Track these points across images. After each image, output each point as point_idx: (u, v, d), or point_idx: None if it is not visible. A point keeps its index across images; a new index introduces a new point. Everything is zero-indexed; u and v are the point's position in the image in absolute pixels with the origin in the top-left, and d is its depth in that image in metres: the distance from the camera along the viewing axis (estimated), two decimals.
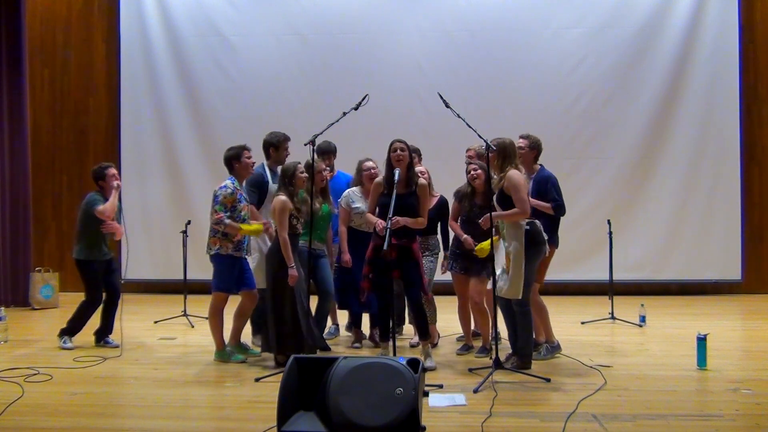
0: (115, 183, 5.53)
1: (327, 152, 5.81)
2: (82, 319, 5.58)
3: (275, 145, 5.42)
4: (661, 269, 8.43)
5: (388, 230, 4.43)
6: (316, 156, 5.02)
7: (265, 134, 5.55)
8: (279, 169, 5.21)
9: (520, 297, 4.61)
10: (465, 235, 5.14)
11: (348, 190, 5.57)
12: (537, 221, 4.74)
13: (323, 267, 5.38)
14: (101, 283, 5.58)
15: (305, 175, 4.91)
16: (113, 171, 5.61)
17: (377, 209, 4.87)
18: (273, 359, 4.91)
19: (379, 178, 4.95)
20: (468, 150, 5.57)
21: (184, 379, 4.62)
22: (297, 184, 4.89)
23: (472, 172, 5.15)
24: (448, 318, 5.75)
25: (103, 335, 5.62)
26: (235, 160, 5.04)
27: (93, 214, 5.44)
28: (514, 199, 4.57)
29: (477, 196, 5.17)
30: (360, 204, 5.44)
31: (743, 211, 8.37)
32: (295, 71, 8.63)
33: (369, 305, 5.34)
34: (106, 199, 5.50)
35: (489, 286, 5.09)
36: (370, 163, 5.51)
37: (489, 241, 4.75)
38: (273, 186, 5.29)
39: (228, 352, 5.10)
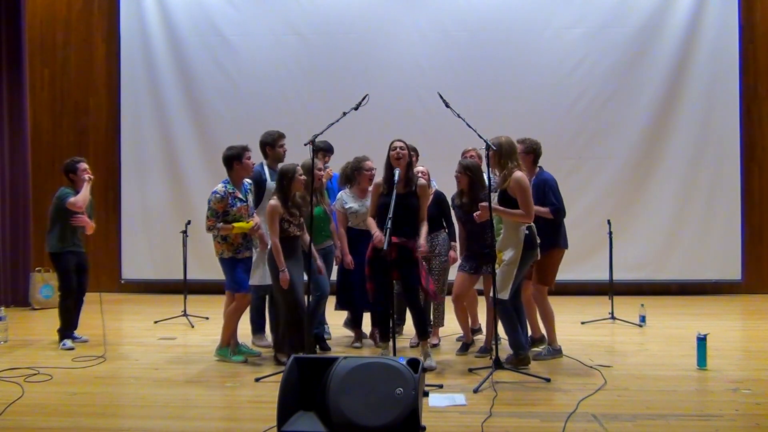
0: (86, 176, 5.62)
1: (325, 150, 5.81)
2: (68, 315, 5.64)
3: (271, 144, 5.44)
4: (661, 269, 8.43)
5: (388, 230, 4.41)
6: (316, 154, 5.09)
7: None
8: (279, 166, 5.22)
9: (507, 297, 4.60)
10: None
11: (340, 192, 5.57)
12: (533, 225, 4.73)
13: (327, 266, 5.37)
14: (73, 274, 5.66)
15: (304, 177, 4.90)
16: (85, 165, 5.70)
17: (378, 210, 4.85)
18: (273, 359, 4.91)
19: (379, 179, 4.95)
20: (466, 151, 5.54)
21: (184, 379, 4.62)
22: (295, 186, 4.88)
23: (456, 175, 5.19)
24: (447, 318, 5.74)
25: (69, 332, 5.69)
26: (235, 159, 5.03)
27: (64, 208, 5.53)
28: (520, 202, 4.56)
29: (464, 195, 5.17)
30: (352, 204, 5.43)
31: (743, 211, 8.38)
32: (295, 71, 8.64)
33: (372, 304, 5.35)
34: (77, 192, 5.58)
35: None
36: (370, 164, 5.49)
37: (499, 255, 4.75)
38: (271, 184, 5.30)
39: (228, 351, 5.11)
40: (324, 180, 5.57)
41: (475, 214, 4.72)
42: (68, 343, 5.54)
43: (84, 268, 5.77)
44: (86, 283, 5.82)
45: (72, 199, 5.51)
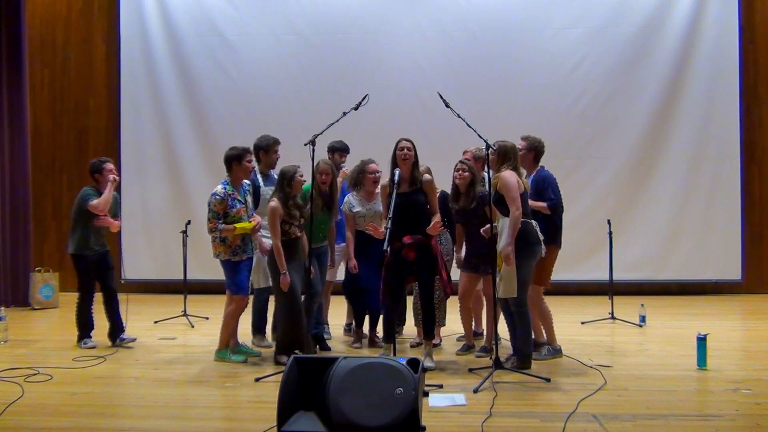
0: (111, 177, 5.49)
1: (341, 150, 5.79)
2: (84, 317, 5.58)
3: (265, 149, 5.42)
4: (661, 269, 8.42)
5: (388, 230, 4.41)
6: (332, 154, 5.29)
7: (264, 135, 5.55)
8: (271, 172, 5.22)
9: (515, 295, 4.59)
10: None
11: (347, 195, 5.56)
12: (533, 221, 4.72)
13: (320, 265, 5.35)
14: (93, 277, 5.59)
15: (304, 178, 4.93)
16: (111, 166, 5.57)
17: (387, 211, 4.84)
18: (273, 359, 4.91)
19: (385, 181, 4.94)
20: (465, 152, 5.54)
21: (184, 379, 4.63)
22: (295, 187, 4.89)
23: (460, 172, 5.11)
24: (447, 318, 5.74)
25: (116, 334, 5.63)
26: (235, 161, 5.00)
27: (85, 209, 5.41)
28: (506, 199, 4.55)
29: (460, 198, 5.12)
30: (359, 208, 5.42)
31: (743, 211, 8.37)
32: (295, 71, 8.64)
33: (374, 305, 5.35)
34: (100, 194, 5.44)
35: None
36: (374, 166, 5.47)
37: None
38: (264, 189, 5.30)
39: (228, 351, 5.10)
40: (340, 179, 5.55)
41: (482, 231, 4.77)
42: (89, 342, 5.52)
43: (108, 266, 5.65)
44: (112, 282, 5.69)
45: (94, 202, 5.38)
